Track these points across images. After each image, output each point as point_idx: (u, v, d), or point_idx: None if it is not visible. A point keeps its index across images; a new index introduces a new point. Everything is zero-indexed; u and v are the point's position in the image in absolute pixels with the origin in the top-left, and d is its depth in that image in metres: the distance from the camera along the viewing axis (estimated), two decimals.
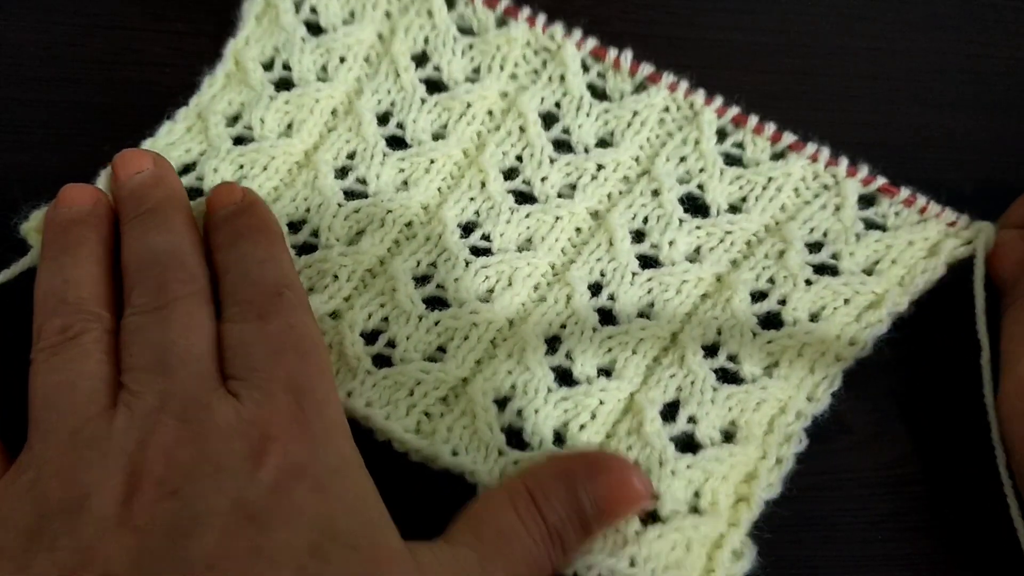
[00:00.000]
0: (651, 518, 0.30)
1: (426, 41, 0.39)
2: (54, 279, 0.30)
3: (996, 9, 0.48)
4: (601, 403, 0.32)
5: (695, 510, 0.30)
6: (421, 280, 0.35)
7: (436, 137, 0.38)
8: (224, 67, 0.39)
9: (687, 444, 0.32)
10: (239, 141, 0.37)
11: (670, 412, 0.32)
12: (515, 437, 0.32)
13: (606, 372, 0.33)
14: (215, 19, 0.43)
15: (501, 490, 0.28)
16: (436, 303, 0.34)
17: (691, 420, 0.32)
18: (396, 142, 0.38)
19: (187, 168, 0.37)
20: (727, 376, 0.33)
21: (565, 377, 0.33)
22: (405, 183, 0.37)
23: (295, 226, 0.36)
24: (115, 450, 0.25)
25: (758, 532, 0.31)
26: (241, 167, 0.37)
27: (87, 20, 0.42)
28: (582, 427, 0.32)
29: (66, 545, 0.24)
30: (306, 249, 0.35)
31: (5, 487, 0.26)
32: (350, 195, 0.37)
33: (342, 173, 0.37)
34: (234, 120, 0.38)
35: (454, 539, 0.26)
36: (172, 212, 0.32)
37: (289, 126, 0.38)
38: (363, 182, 0.37)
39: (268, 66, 0.39)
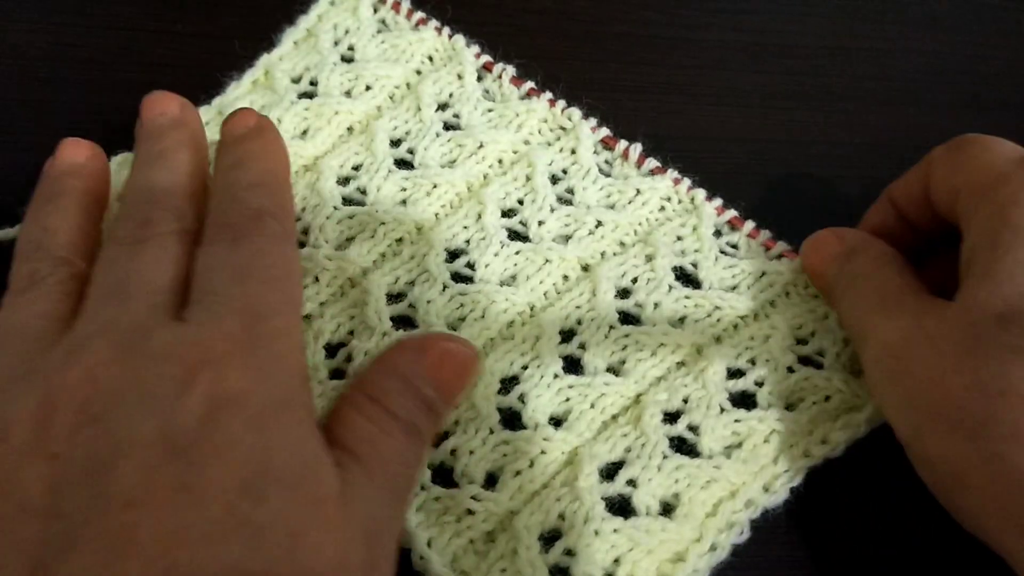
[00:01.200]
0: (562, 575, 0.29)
1: (451, 95, 0.41)
2: (34, 228, 0.30)
3: (996, 9, 0.48)
4: (542, 452, 0.31)
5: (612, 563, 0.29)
6: (396, 297, 0.35)
7: (443, 167, 0.38)
8: (252, 75, 0.40)
9: (622, 507, 0.30)
10: None
11: (612, 471, 0.31)
12: (444, 475, 0.31)
13: (558, 422, 0.32)
14: (215, 20, 0.43)
15: (344, 404, 0.26)
16: (404, 322, 0.34)
17: (631, 483, 0.30)
18: (403, 164, 0.39)
19: None
20: (683, 447, 0.32)
21: (513, 420, 0.32)
22: (404, 201, 0.37)
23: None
24: (38, 376, 0.24)
25: None
26: None
27: (87, 20, 0.42)
28: (517, 473, 0.31)
29: None
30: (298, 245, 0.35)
31: None
32: (348, 202, 0.37)
33: (344, 181, 0.38)
34: None
35: (345, 467, 0.24)
36: (181, 152, 0.32)
37: (305, 131, 0.39)
38: (363, 191, 0.37)
39: (296, 80, 0.40)
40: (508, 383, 0.33)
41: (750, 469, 0.31)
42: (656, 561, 0.29)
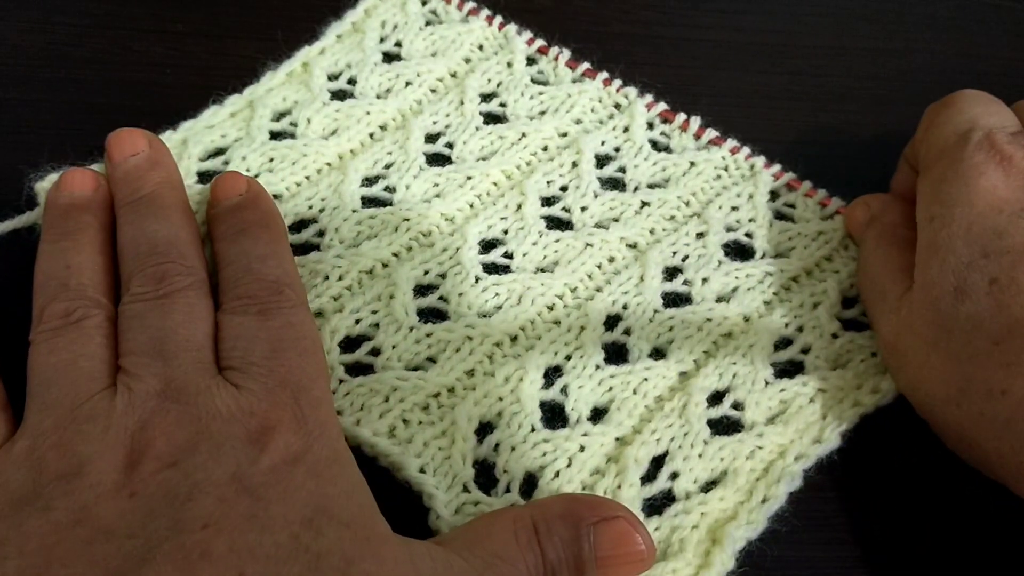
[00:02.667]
0: None
1: (499, 84, 0.41)
2: (56, 263, 0.30)
3: (996, 9, 0.48)
4: (581, 449, 0.31)
5: (662, 555, 0.29)
6: (425, 290, 0.34)
7: (479, 159, 0.38)
8: (289, 67, 0.40)
9: (664, 499, 0.30)
10: (277, 136, 0.38)
11: (655, 466, 0.31)
12: (486, 473, 0.30)
13: (600, 413, 0.32)
14: (215, 19, 0.43)
15: (506, 515, 0.27)
16: (434, 315, 0.34)
17: (673, 476, 0.30)
18: (439, 159, 0.38)
19: (218, 152, 0.37)
20: (725, 426, 0.32)
21: (557, 412, 0.32)
22: (438, 195, 0.37)
23: (303, 223, 0.36)
24: (116, 426, 0.26)
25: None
26: (271, 160, 0.37)
27: (87, 20, 0.42)
28: (556, 474, 0.30)
29: (62, 506, 0.24)
30: (306, 249, 0.35)
31: (1, 454, 0.26)
32: (372, 202, 0.37)
33: (372, 181, 0.37)
34: (280, 116, 0.39)
35: (449, 545, 0.26)
36: (169, 199, 0.32)
37: (333, 132, 0.38)
38: (391, 191, 0.37)
39: (334, 77, 0.40)
40: (552, 373, 0.33)
41: (796, 428, 0.31)
42: (703, 530, 0.29)
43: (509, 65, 0.41)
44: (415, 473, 0.30)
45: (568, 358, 0.33)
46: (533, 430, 0.31)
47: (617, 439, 0.31)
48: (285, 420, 0.26)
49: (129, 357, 0.28)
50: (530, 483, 0.30)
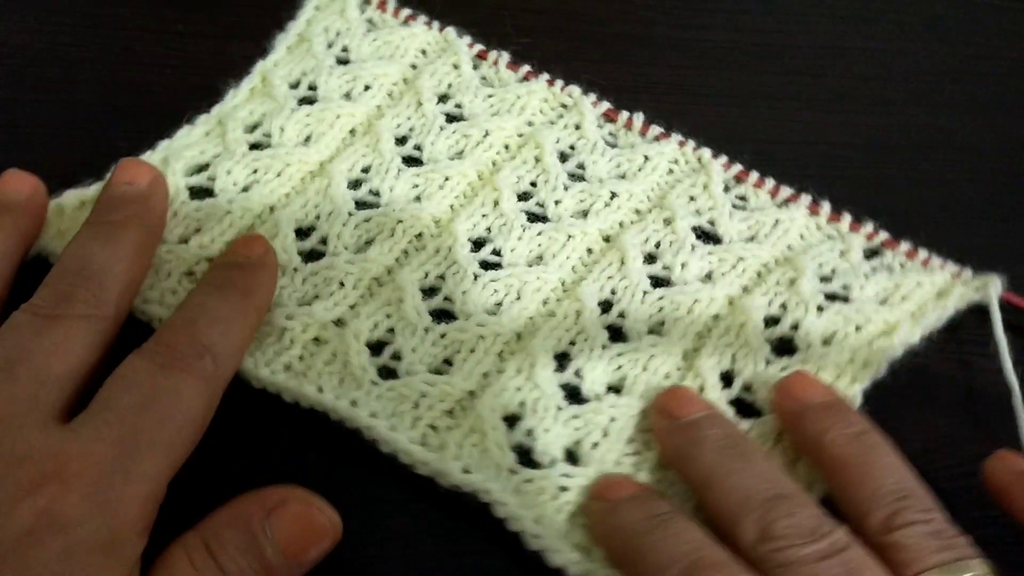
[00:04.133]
0: None
1: (449, 86, 0.41)
2: None
3: (996, 9, 0.48)
4: (612, 420, 0.31)
5: None
6: (428, 292, 0.35)
7: (452, 159, 0.39)
8: (250, 82, 0.40)
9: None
10: (256, 148, 0.38)
11: None
12: (525, 456, 0.31)
13: (615, 390, 0.33)
14: (215, 19, 0.43)
15: (177, 546, 0.25)
16: (442, 315, 0.34)
17: None
18: (412, 161, 0.39)
19: (200, 168, 0.37)
20: (741, 405, 0.33)
21: (574, 394, 0.32)
22: (418, 198, 0.37)
23: (304, 232, 0.36)
24: None
25: None
26: (255, 171, 0.37)
27: (87, 20, 0.42)
28: (595, 445, 0.31)
29: None
30: (313, 256, 0.35)
31: None
32: (361, 205, 0.37)
33: (355, 185, 0.38)
34: (253, 128, 0.39)
35: None
36: (131, 231, 0.31)
37: (308, 138, 0.38)
38: (376, 194, 0.37)
39: (294, 85, 0.40)
40: (561, 359, 0.33)
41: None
42: None
43: (456, 67, 0.41)
44: (461, 475, 0.30)
45: (573, 343, 0.34)
46: (560, 409, 0.32)
47: (642, 411, 0.32)
48: (83, 476, 0.24)
49: None
50: (572, 458, 0.31)
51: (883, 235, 0.37)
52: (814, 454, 0.30)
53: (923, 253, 0.36)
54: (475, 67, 0.42)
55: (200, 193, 0.36)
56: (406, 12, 0.43)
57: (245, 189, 0.36)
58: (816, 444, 0.30)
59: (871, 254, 0.37)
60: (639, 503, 0.29)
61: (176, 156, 0.36)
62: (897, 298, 0.35)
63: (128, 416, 0.26)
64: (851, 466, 0.29)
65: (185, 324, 0.29)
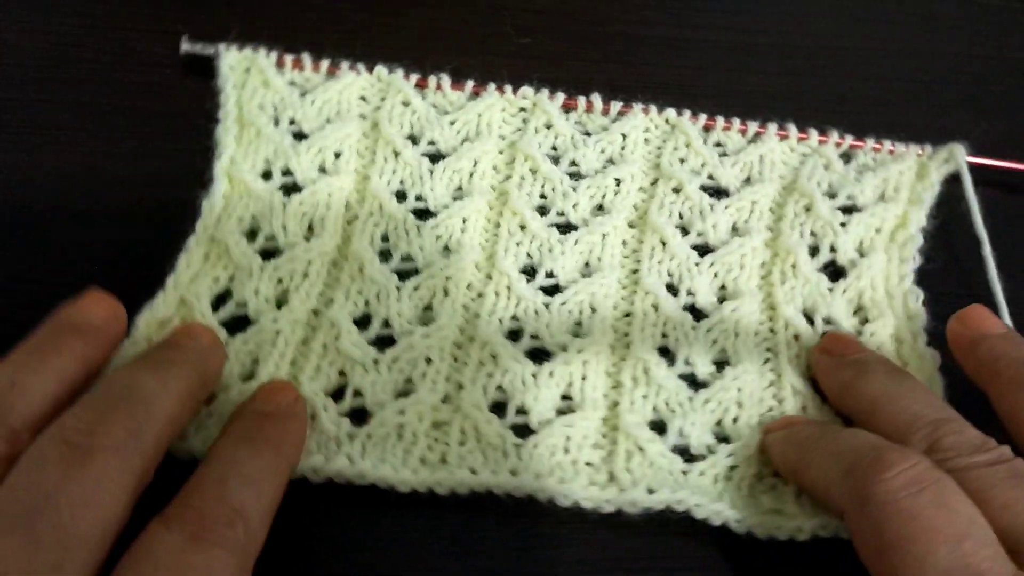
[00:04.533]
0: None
1: (411, 125, 0.39)
2: (6, 373, 0.27)
3: (996, 9, 0.48)
4: (739, 390, 0.33)
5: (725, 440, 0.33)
6: (512, 337, 0.34)
7: (456, 199, 0.38)
8: (219, 188, 0.36)
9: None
10: (267, 255, 0.35)
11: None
12: (687, 454, 0.32)
13: (720, 364, 0.34)
14: (215, 20, 0.43)
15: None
16: (540, 355, 0.34)
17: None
18: (422, 214, 0.37)
19: (222, 298, 0.34)
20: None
21: (692, 380, 0.34)
22: (447, 247, 0.36)
23: (363, 322, 0.34)
24: None
25: None
26: (280, 281, 0.34)
27: (87, 20, 0.42)
28: (735, 419, 0.33)
29: None
30: (384, 342, 0.33)
31: None
32: (402, 275, 0.35)
33: (385, 256, 0.36)
34: (252, 235, 0.36)
35: None
36: (186, 371, 0.29)
37: (310, 227, 0.36)
38: (408, 259, 0.36)
39: (267, 175, 0.37)
40: (665, 354, 0.34)
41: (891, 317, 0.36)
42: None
43: (405, 104, 0.40)
44: (648, 497, 0.30)
45: (665, 335, 0.35)
46: (691, 399, 0.33)
47: (758, 371, 0.34)
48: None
49: None
50: (723, 439, 0.33)
51: (849, 138, 0.40)
52: (987, 378, 0.32)
53: (887, 144, 0.40)
54: (423, 97, 0.40)
55: (234, 324, 0.33)
56: (326, 63, 0.40)
57: (278, 304, 0.34)
58: (992, 369, 0.32)
59: (845, 159, 0.40)
60: (810, 425, 0.32)
61: (194, 295, 0.33)
62: (891, 191, 0.39)
63: None
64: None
65: (215, 484, 0.26)
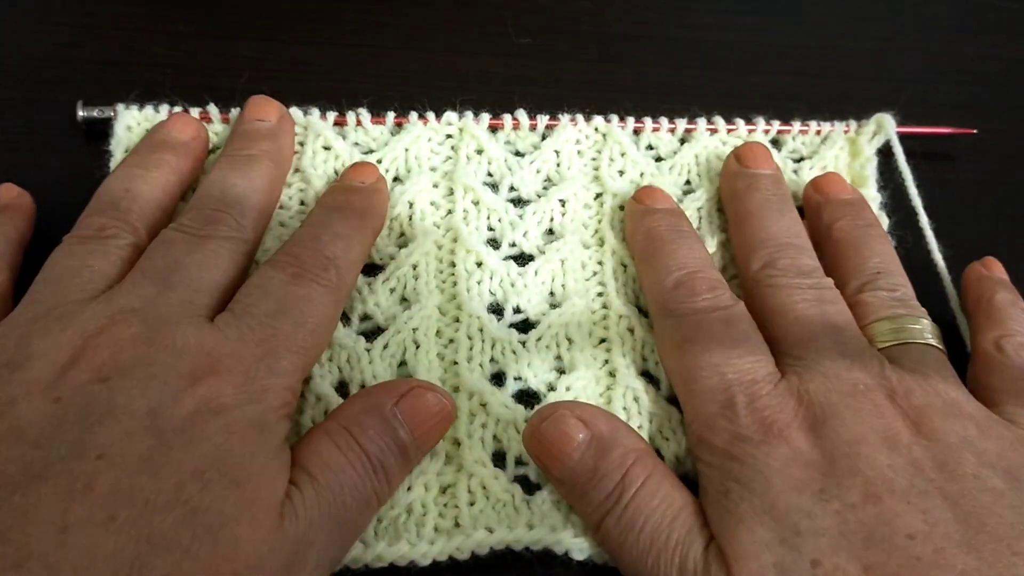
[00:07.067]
0: None
1: (336, 172, 0.37)
2: (118, 184, 0.33)
3: (996, 9, 0.48)
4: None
5: None
6: (495, 380, 0.33)
7: (400, 246, 0.36)
8: None
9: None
10: None
11: None
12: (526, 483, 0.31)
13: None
14: (215, 19, 0.43)
15: (319, 430, 0.29)
16: (529, 398, 0.33)
17: None
18: (368, 269, 0.35)
19: None
20: None
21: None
22: (404, 299, 0.35)
23: (342, 389, 0.33)
24: (75, 327, 0.27)
25: None
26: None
27: (87, 20, 0.42)
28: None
29: None
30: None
31: None
32: (367, 335, 0.34)
33: (344, 319, 0.34)
34: None
35: (298, 483, 0.27)
36: (264, 167, 0.34)
37: None
38: (367, 318, 0.35)
39: None
40: (649, 378, 0.34)
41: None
42: None
43: (327, 148, 0.37)
44: (487, 536, 0.30)
45: (645, 359, 0.34)
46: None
47: None
48: (234, 371, 0.27)
49: (134, 275, 0.30)
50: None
51: (776, 124, 0.40)
52: (822, 240, 0.35)
53: (813, 124, 0.40)
54: (344, 137, 0.38)
55: None
56: (236, 111, 0.37)
57: None
58: (827, 230, 0.35)
59: (776, 145, 0.40)
60: (669, 215, 0.35)
61: None
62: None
63: (267, 320, 0.29)
64: (847, 246, 0.34)
65: (311, 239, 0.32)
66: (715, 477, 0.28)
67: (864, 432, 0.28)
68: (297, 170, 0.37)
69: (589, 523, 0.29)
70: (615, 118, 0.39)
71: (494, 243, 0.37)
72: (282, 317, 0.29)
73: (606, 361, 0.34)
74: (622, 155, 0.39)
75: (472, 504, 0.30)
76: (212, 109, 0.38)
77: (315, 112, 0.38)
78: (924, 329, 0.31)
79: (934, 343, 0.31)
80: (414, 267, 0.35)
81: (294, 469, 0.27)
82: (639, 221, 0.35)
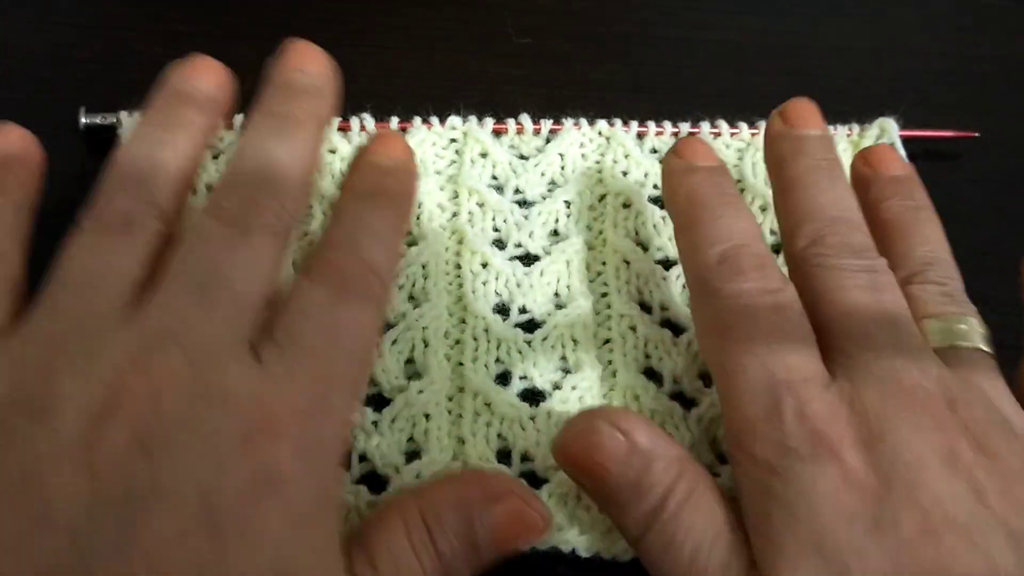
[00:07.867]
0: None
1: (341, 173, 0.37)
2: (142, 151, 0.28)
3: (996, 9, 0.49)
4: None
5: None
6: (500, 380, 0.33)
7: (410, 245, 0.36)
8: None
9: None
10: None
11: None
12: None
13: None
14: (215, 19, 0.43)
15: (396, 515, 0.26)
16: (534, 395, 0.33)
17: None
18: None
19: None
20: None
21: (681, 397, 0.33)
22: (412, 297, 0.35)
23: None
24: (106, 359, 0.23)
25: None
26: None
27: (87, 20, 0.42)
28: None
29: (15, 453, 0.21)
30: (375, 400, 0.32)
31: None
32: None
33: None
34: None
35: (356, 571, 0.25)
36: (309, 130, 0.29)
37: None
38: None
39: None
40: (652, 375, 0.34)
41: None
42: None
43: (331, 152, 0.37)
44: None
45: (648, 356, 0.34)
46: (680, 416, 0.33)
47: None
48: (288, 425, 0.23)
49: (165, 280, 0.25)
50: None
51: (762, 124, 0.38)
52: (870, 218, 0.31)
53: None
54: (348, 142, 0.38)
55: None
56: (238, 118, 0.36)
57: None
58: (873, 209, 0.32)
59: None
60: (714, 174, 0.31)
61: None
62: None
63: (317, 352, 0.25)
64: (894, 230, 0.31)
65: (349, 243, 0.28)
66: (755, 495, 0.25)
67: (924, 452, 0.24)
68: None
69: (629, 537, 0.27)
70: (619, 122, 0.39)
71: (500, 244, 0.37)
72: (333, 348, 0.25)
73: (609, 362, 0.34)
74: (626, 157, 0.39)
75: None
76: None
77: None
78: (974, 331, 0.28)
79: (984, 347, 0.28)
80: (423, 267, 0.35)
81: (360, 555, 0.25)
82: (680, 180, 0.31)
